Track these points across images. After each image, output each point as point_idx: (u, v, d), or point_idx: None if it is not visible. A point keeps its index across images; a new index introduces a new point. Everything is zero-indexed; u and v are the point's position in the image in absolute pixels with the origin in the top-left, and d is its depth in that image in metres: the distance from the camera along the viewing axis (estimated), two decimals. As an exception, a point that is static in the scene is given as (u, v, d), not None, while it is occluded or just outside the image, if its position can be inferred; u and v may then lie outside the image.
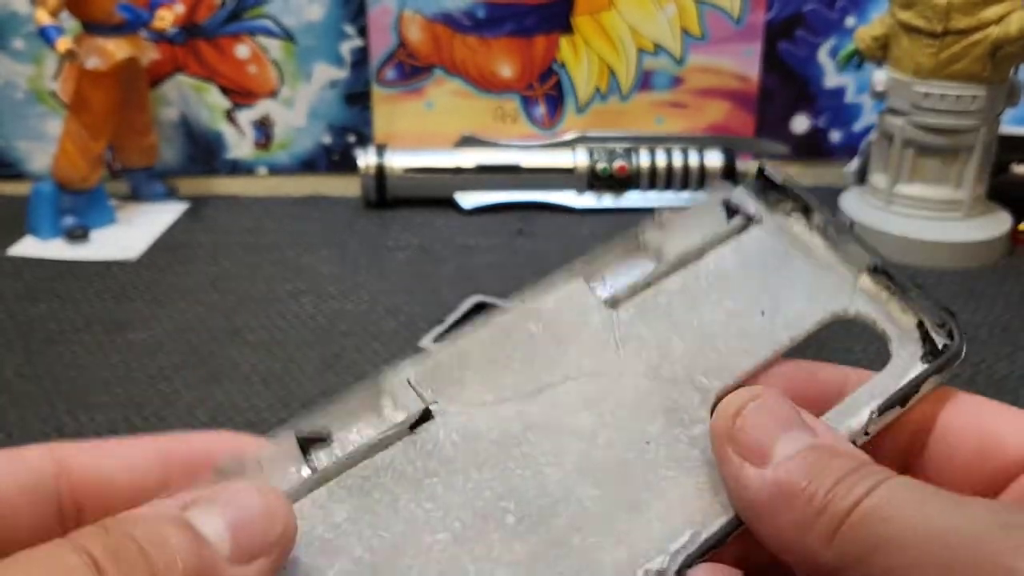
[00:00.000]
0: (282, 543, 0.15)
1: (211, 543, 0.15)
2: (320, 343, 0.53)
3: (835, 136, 0.80)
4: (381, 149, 0.74)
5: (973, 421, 0.20)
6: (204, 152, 0.79)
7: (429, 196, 0.74)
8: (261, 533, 0.15)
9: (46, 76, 0.76)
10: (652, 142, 0.76)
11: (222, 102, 0.78)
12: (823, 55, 0.77)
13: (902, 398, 0.19)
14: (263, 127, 0.79)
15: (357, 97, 0.78)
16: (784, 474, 0.16)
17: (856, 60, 0.68)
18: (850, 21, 0.76)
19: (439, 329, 0.54)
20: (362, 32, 0.76)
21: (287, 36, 0.76)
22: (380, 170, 0.73)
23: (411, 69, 0.78)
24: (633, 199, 0.74)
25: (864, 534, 0.15)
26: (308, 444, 0.16)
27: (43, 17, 0.63)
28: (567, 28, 0.77)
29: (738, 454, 0.17)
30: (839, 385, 0.21)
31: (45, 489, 0.17)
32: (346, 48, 0.77)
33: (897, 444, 0.20)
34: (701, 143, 0.76)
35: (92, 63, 0.65)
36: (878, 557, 0.15)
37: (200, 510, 0.15)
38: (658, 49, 0.78)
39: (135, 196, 0.75)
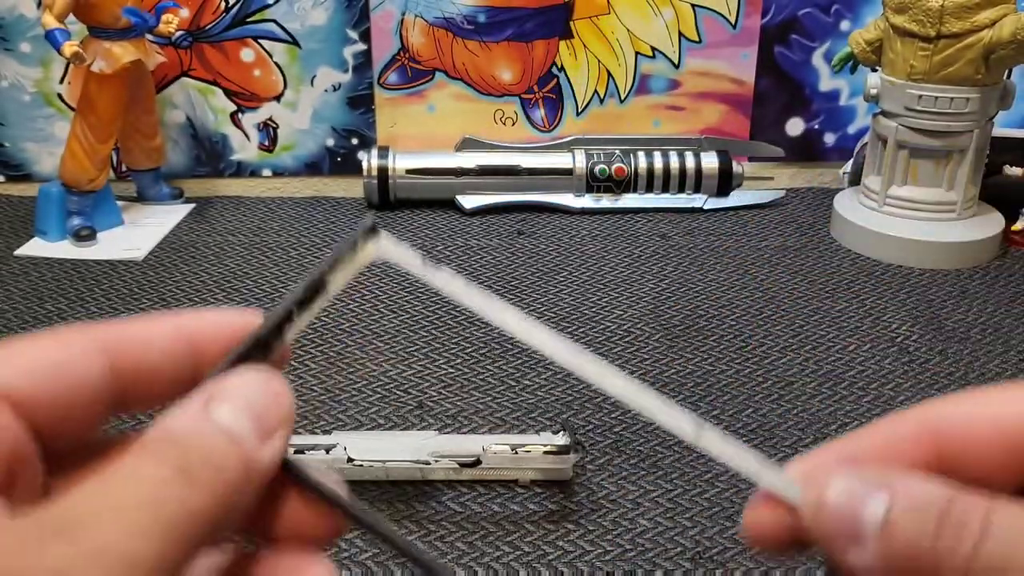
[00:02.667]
0: (290, 416, 0.18)
1: (239, 435, 0.17)
2: (324, 341, 0.54)
3: (829, 139, 0.81)
4: (384, 151, 0.75)
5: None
6: (209, 154, 0.80)
7: (431, 197, 0.76)
8: (274, 412, 0.18)
9: (53, 79, 0.77)
10: (649, 144, 0.77)
11: (227, 105, 0.79)
12: (818, 59, 0.78)
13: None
14: (267, 130, 0.80)
15: (360, 100, 0.79)
16: (884, 546, 0.17)
17: (850, 64, 0.69)
18: (845, 25, 0.77)
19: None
20: (365, 36, 0.77)
21: (291, 40, 0.77)
22: (383, 172, 0.74)
23: (413, 73, 0.79)
24: (631, 200, 0.75)
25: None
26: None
27: (50, 21, 0.64)
28: (566, 33, 0.78)
29: (839, 544, 0.17)
30: None
31: (95, 386, 0.18)
32: (349, 52, 0.78)
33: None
34: (697, 145, 0.77)
35: (98, 66, 0.66)
36: None
37: (223, 407, 0.17)
38: (655, 53, 0.79)
39: (141, 197, 0.76)
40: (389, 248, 0.20)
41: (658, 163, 0.75)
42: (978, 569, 0.16)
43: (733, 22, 0.78)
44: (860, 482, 0.18)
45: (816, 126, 0.80)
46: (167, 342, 0.18)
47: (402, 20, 0.77)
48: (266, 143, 0.80)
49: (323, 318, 0.57)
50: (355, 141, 0.80)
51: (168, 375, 0.18)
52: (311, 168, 0.81)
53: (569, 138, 0.78)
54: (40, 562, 0.14)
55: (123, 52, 0.67)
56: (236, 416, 0.17)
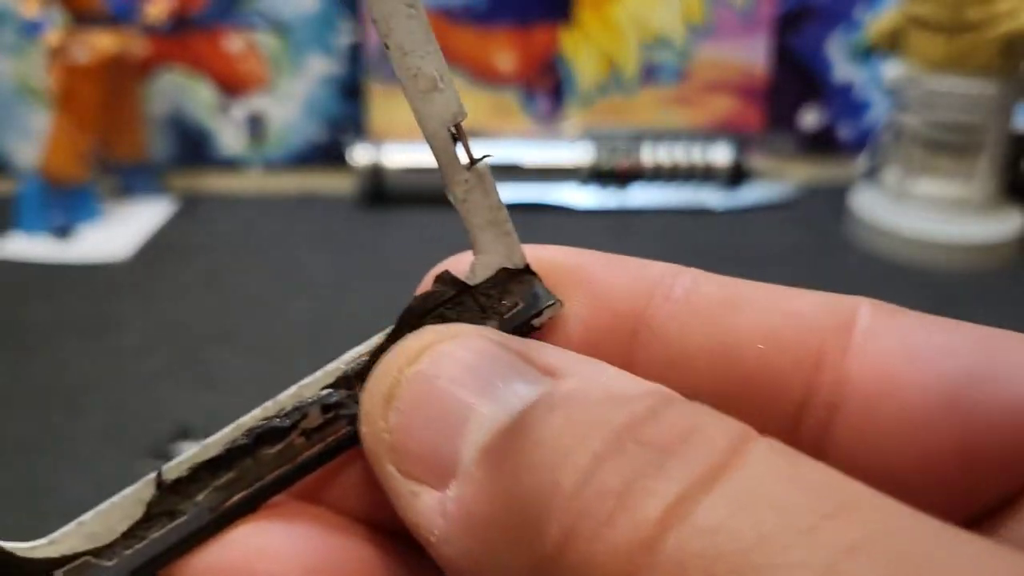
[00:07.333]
0: None
1: None
2: (315, 346, 0.52)
3: (845, 131, 0.78)
4: (377, 144, 0.73)
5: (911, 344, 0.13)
6: (195, 148, 0.78)
7: (426, 192, 0.73)
8: None
9: (33, 71, 0.74)
10: (656, 137, 0.74)
11: (213, 96, 0.76)
12: (832, 48, 0.76)
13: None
14: (256, 122, 0.77)
15: (353, 91, 0.77)
16: (483, 497, 0.10)
17: (868, 53, 0.67)
18: (860, 13, 0.75)
19: None
20: (358, 25, 0.75)
21: (280, 28, 0.75)
22: (376, 166, 0.72)
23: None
24: (637, 195, 0.73)
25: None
26: None
27: (32, 9, 0.62)
28: (568, 19, 0.75)
29: (403, 472, 0.11)
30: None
31: None
32: (341, 40, 0.75)
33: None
34: (707, 138, 0.74)
35: (80, 56, 0.64)
36: None
37: None
38: (663, 42, 0.76)
39: (125, 192, 0.74)
40: None
41: (666, 156, 0.73)
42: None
43: (744, 9, 0.75)
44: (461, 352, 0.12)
45: (830, 118, 0.78)
46: None
47: (397, 7, 0.74)
48: (254, 136, 0.77)
49: (315, 321, 0.55)
50: (347, 134, 0.77)
51: None
52: (301, 161, 0.78)
53: (572, 130, 0.76)
54: None
55: (105, 42, 0.65)
56: None
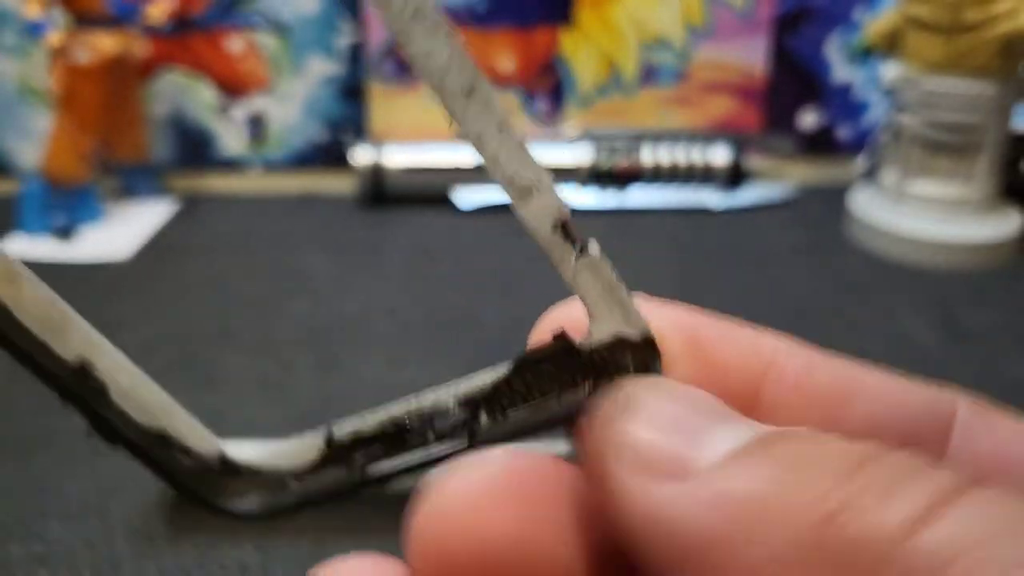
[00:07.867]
0: None
1: None
2: (316, 346, 0.52)
3: (843, 132, 0.78)
4: (377, 145, 0.73)
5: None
6: (196, 148, 0.78)
7: (427, 194, 0.73)
8: None
9: (34, 72, 0.74)
10: (656, 137, 0.74)
11: (214, 97, 0.76)
12: (831, 49, 0.76)
13: None
14: (256, 123, 0.77)
15: (353, 92, 0.77)
16: (739, 481, 0.11)
17: (867, 55, 0.67)
18: (859, 14, 0.75)
19: None
20: (358, 26, 0.75)
21: (281, 29, 0.75)
22: (377, 167, 0.72)
23: (408, 64, 0.76)
24: (636, 196, 0.73)
25: None
26: None
27: (34, 10, 0.62)
28: (568, 20, 0.75)
29: (637, 468, 0.12)
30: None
31: None
32: (342, 42, 0.75)
33: None
34: (706, 139, 0.74)
35: (82, 57, 0.64)
36: None
37: None
38: (662, 43, 0.76)
39: (126, 193, 0.74)
40: None
41: (665, 157, 0.73)
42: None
43: (743, 11, 0.75)
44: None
45: (829, 119, 0.78)
46: None
47: (398, 8, 0.74)
48: (255, 136, 0.78)
49: (316, 321, 0.55)
50: (348, 134, 0.77)
51: None
52: (301, 161, 0.78)
53: (572, 130, 0.76)
54: None
55: (107, 43, 0.65)
56: None
